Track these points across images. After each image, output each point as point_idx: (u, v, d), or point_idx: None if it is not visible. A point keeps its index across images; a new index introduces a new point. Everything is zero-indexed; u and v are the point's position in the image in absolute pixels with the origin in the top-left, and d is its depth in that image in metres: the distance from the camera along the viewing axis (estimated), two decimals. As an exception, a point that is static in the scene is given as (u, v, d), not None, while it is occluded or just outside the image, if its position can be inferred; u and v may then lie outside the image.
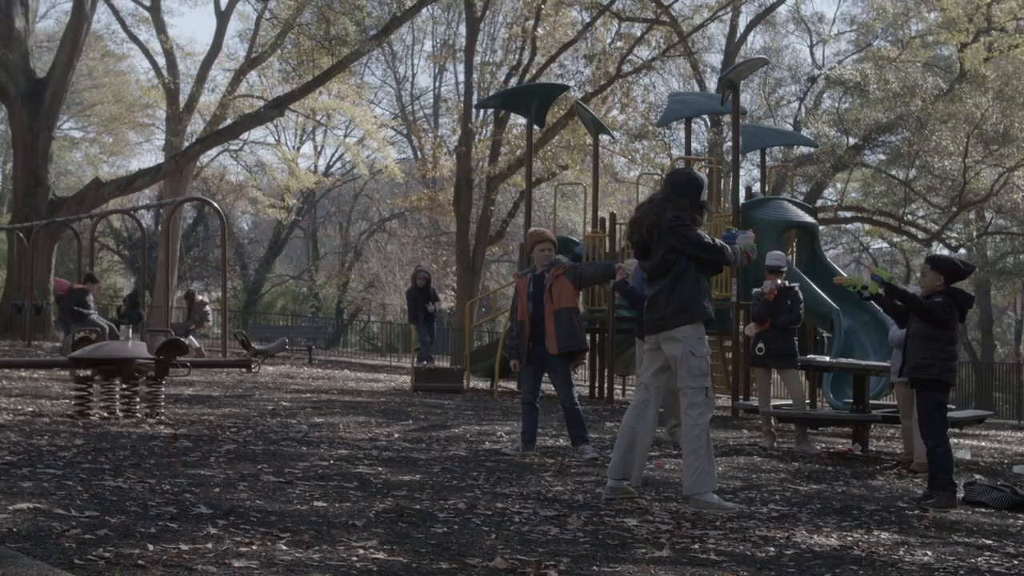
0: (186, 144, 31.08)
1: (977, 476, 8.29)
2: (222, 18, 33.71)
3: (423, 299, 16.08)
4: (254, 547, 4.23)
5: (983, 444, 12.55)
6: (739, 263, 6.51)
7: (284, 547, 4.28)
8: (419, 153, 39.93)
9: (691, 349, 6.04)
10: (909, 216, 32.54)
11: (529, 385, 8.47)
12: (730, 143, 19.63)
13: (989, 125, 27.20)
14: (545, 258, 8.42)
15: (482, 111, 29.58)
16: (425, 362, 16.02)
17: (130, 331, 10.59)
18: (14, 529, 4.25)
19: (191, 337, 18.07)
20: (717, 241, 6.24)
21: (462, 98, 30.58)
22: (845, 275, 13.07)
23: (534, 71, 28.29)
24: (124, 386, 9.15)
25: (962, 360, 34.27)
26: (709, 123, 31.54)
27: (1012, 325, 47.32)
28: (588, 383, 17.57)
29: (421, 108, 47.69)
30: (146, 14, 34.47)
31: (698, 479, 5.96)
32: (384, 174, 37.33)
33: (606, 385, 15.71)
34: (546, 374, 8.53)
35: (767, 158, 19.81)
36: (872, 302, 7.75)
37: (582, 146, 27.14)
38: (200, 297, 20.34)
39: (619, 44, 29.06)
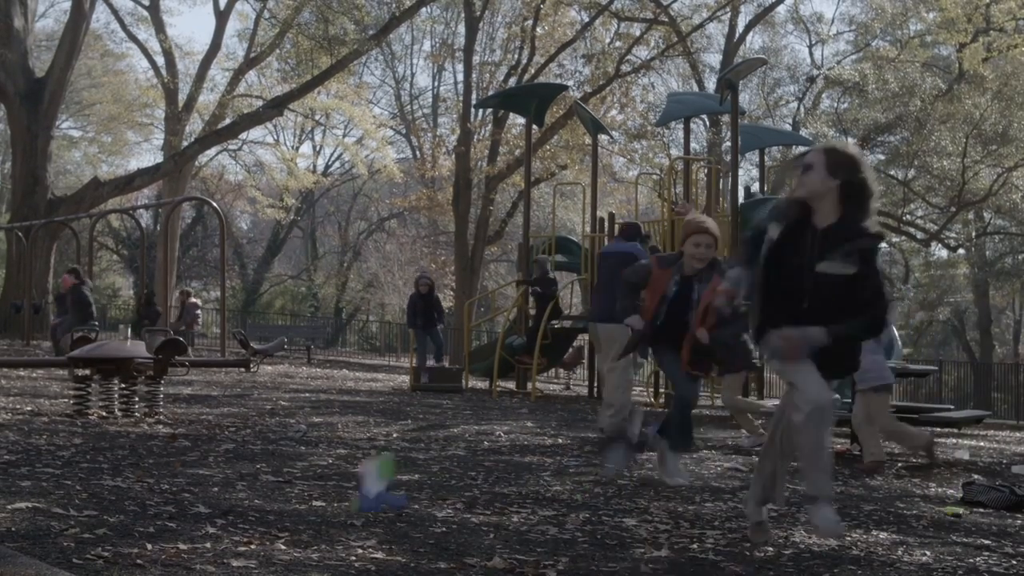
0: (185, 144, 31.10)
1: (976, 476, 8.28)
2: (221, 18, 33.72)
3: (423, 305, 16.01)
4: (252, 546, 4.23)
5: (981, 444, 12.53)
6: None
7: (282, 546, 4.28)
8: (418, 153, 39.94)
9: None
10: (908, 216, 32.56)
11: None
12: (729, 143, 19.66)
13: (988, 125, 27.23)
14: (701, 256, 6.17)
15: (481, 111, 29.59)
16: (433, 363, 15.93)
17: (127, 331, 10.58)
18: (12, 528, 4.25)
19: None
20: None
21: (461, 98, 30.60)
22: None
23: (533, 71, 28.31)
24: (123, 385, 9.14)
25: (960, 360, 34.34)
26: (708, 123, 31.54)
27: (1011, 325, 47.32)
28: (587, 382, 17.55)
29: (420, 108, 47.74)
30: (145, 13, 34.48)
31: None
32: (383, 174, 37.34)
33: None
34: (657, 358, 6.81)
35: (766, 158, 19.81)
36: None
37: (581, 146, 27.15)
38: (193, 299, 20.28)
39: (618, 44, 29.09)
